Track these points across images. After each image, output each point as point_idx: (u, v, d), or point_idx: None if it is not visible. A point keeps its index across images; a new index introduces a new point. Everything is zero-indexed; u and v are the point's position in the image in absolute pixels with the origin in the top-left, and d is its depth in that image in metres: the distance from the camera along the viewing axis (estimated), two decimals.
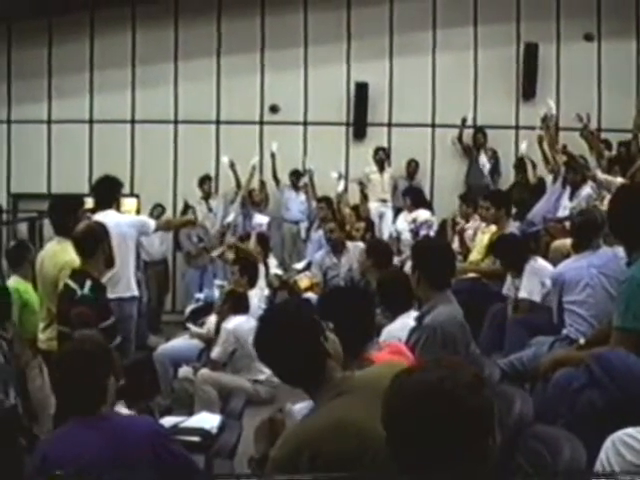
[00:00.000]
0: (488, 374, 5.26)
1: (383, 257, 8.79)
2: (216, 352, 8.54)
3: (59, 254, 6.72)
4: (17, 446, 5.73)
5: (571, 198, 9.88)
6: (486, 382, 2.43)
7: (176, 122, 15.07)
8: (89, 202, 8.56)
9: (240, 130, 14.86)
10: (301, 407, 4.07)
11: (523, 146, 12.63)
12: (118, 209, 9.10)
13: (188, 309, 11.31)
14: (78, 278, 6.10)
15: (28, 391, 7.07)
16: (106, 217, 7.71)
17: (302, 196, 14.26)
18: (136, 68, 15.03)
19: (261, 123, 15.12)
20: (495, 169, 14.54)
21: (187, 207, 14.32)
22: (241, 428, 6.23)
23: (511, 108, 15.05)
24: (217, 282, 11.27)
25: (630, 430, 3.29)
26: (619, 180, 8.95)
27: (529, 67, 14.96)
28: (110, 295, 6.68)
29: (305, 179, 14.19)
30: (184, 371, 8.96)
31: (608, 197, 8.29)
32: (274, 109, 15.13)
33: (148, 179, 14.83)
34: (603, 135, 13.23)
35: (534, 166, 12.30)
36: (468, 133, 14.84)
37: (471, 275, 9.14)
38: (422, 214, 12.07)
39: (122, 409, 5.29)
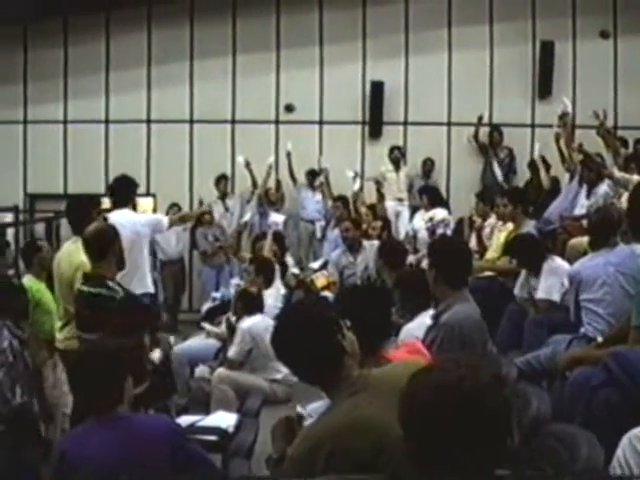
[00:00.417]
0: (505, 373, 5.25)
1: (396, 256, 8.75)
2: (233, 351, 8.54)
3: (75, 254, 6.72)
4: (25, 444, 5.75)
5: (588, 196, 9.83)
6: (505, 382, 2.42)
7: (192, 122, 15.09)
8: (105, 202, 8.60)
9: (255, 129, 14.87)
10: (317, 406, 4.07)
11: (536, 148, 12.58)
12: (134, 208, 9.15)
13: (204, 308, 11.34)
14: (93, 282, 6.06)
15: (44, 391, 7.09)
16: (122, 216, 7.78)
17: (318, 195, 14.25)
18: (152, 68, 15.06)
19: (276, 122, 15.12)
20: (511, 168, 14.49)
21: (202, 205, 14.32)
22: (258, 427, 6.22)
23: (527, 106, 15.01)
24: (233, 281, 11.28)
25: None
26: (636, 178, 8.90)
27: (545, 65, 14.91)
28: None
29: (321, 178, 14.18)
30: (201, 370, 8.98)
31: (625, 195, 8.28)
32: (289, 108, 15.13)
33: (164, 179, 14.86)
34: (619, 133, 13.16)
35: (548, 168, 12.25)
36: (484, 131, 14.81)
37: (488, 273, 9.12)
38: (439, 213, 12.02)
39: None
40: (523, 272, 8.40)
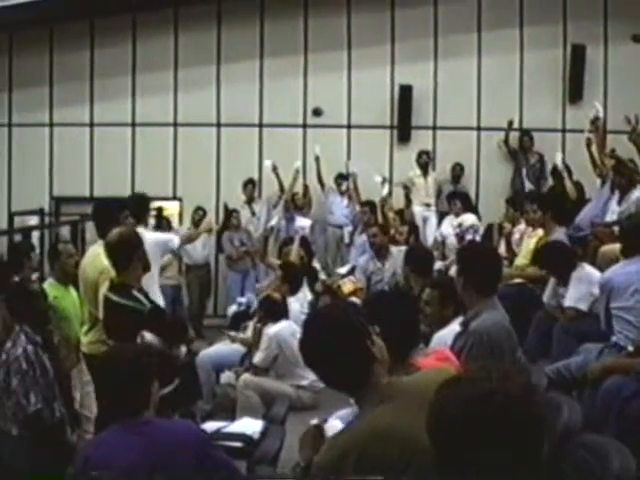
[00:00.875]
0: (535, 382, 5.22)
1: (422, 263, 8.70)
2: (258, 357, 8.55)
3: (100, 257, 6.73)
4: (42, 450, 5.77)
5: (620, 202, 9.76)
6: (537, 392, 2.40)
7: (219, 125, 15.12)
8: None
9: (283, 133, 14.88)
10: (344, 413, 4.06)
11: (558, 157, 12.52)
12: (159, 217, 9.16)
13: (229, 312, 11.37)
14: (119, 292, 6.06)
15: (72, 396, 7.11)
16: None
17: (346, 200, 14.24)
18: (179, 70, 15.10)
19: (304, 126, 15.13)
20: (542, 173, 14.41)
21: (228, 211, 14.37)
22: (284, 434, 6.22)
23: (557, 111, 14.94)
24: (259, 286, 11.29)
25: None
26: None
27: (576, 69, 14.84)
28: None
29: (348, 183, 14.17)
30: (226, 376, 9.00)
31: None
32: (317, 112, 15.13)
33: (191, 182, 14.91)
34: None
35: (570, 174, 12.20)
36: (514, 136, 14.75)
37: (517, 280, 9.08)
38: (468, 218, 11.99)
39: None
40: (552, 279, 8.35)
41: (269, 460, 5.69)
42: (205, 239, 13.69)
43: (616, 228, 8.53)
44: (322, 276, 11.54)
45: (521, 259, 9.61)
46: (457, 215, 12.44)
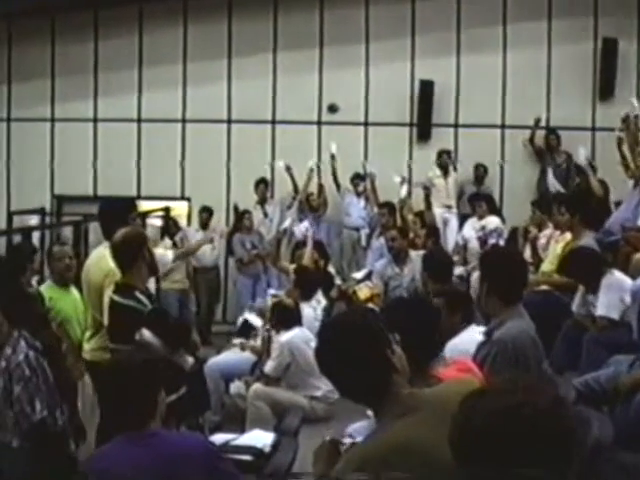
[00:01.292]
0: (563, 395, 5.20)
1: (441, 268, 8.68)
2: (270, 366, 8.55)
3: (105, 260, 6.73)
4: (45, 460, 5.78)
5: None
6: (566, 406, 2.39)
7: (229, 122, 15.14)
8: (142, 205, 8.63)
9: (297, 131, 14.89)
10: (360, 426, 4.05)
11: (582, 153, 12.49)
12: (167, 217, 9.17)
13: (240, 320, 11.36)
14: (123, 293, 6.10)
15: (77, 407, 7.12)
16: None
17: (363, 201, 14.23)
18: (187, 64, 15.13)
19: (319, 123, 15.13)
20: (569, 173, 14.37)
21: (238, 212, 14.37)
22: (297, 447, 6.21)
23: (587, 108, 14.90)
24: (271, 291, 11.29)
25: None
26: None
27: (607, 64, 14.80)
28: None
29: (366, 183, 14.16)
30: (236, 386, 9.00)
31: None
32: (333, 109, 15.13)
33: (200, 181, 14.92)
34: None
35: (595, 171, 12.18)
36: (540, 135, 14.72)
37: (543, 287, 9.06)
38: (492, 221, 12.00)
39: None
40: (581, 287, 8.33)
41: (281, 474, 5.69)
42: (215, 240, 13.69)
43: None
44: (337, 281, 11.52)
45: (548, 265, 9.59)
46: (480, 218, 12.43)
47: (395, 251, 10.87)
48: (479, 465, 2.29)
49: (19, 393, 5.78)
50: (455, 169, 14.74)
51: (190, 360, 6.35)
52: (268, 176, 14.79)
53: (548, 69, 14.90)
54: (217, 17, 15.08)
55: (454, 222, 14.22)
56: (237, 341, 9.96)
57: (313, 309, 9.70)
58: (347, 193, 14.48)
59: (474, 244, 11.90)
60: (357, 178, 14.41)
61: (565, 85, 14.82)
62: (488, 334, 5.21)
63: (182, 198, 15.12)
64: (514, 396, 2.29)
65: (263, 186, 14.56)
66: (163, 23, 15.16)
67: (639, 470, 3.60)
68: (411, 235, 11.66)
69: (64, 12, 15.02)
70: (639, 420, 4.39)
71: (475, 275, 9.31)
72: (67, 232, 12.19)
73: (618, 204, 10.84)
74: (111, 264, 6.45)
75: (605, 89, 14.80)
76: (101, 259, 6.89)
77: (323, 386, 8.03)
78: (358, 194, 14.36)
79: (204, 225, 14.18)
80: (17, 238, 10.54)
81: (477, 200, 13.21)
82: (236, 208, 14.53)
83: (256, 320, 10.18)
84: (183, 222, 14.71)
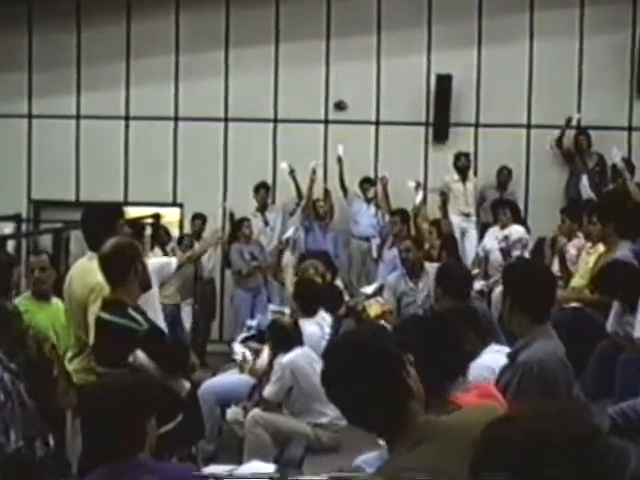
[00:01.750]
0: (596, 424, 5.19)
1: (457, 283, 8.66)
2: (270, 390, 8.54)
3: (90, 273, 6.72)
4: None
5: None
6: (602, 437, 2.39)
7: (226, 120, 15.17)
8: (129, 212, 8.64)
9: (301, 130, 14.91)
10: (370, 457, 4.06)
11: (615, 153, 12.49)
12: (156, 226, 9.16)
13: (237, 339, 11.36)
14: (113, 310, 6.09)
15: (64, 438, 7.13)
16: None
17: (373, 208, 14.24)
18: (180, 56, 15.16)
19: (325, 122, 15.16)
20: (602, 178, 14.36)
21: (233, 220, 14.34)
22: None
23: (622, 105, 14.90)
24: (272, 307, 11.31)
25: None
26: None
27: None
28: None
29: (376, 188, 14.17)
30: (233, 412, 9.00)
31: None
32: (341, 106, 15.15)
33: (193, 186, 14.94)
34: None
35: (633, 172, 12.19)
36: (568, 135, 14.70)
37: (573, 304, 9.05)
38: (516, 231, 11.99)
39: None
40: (616, 304, 8.32)
41: None
42: (210, 250, 13.67)
43: None
44: (344, 296, 11.52)
45: (578, 279, 9.57)
46: (503, 227, 12.43)
47: (409, 263, 10.87)
48: None
49: None
50: (475, 173, 14.76)
51: (187, 385, 6.35)
52: (269, 180, 14.80)
53: (580, 62, 14.91)
54: (213, 3, 15.14)
55: (473, 232, 14.25)
56: (239, 354, 9.92)
57: (319, 326, 9.68)
58: (356, 199, 14.49)
59: (496, 256, 11.89)
60: (367, 183, 14.43)
61: (598, 79, 14.81)
62: (512, 356, 5.21)
63: (174, 204, 15.14)
64: (542, 423, 2.29)
65: (264, 191, 14.57)
66: (153, 10, 15.19)
67: None
68: (426, 246, 11.68)
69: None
70: None
71: (497, 291, 9.32)
72: (46, 241, 12.21)
73: None
74: (97, 277, 6.43)
75: None
76: (85, 272, 6.88)
77: (329, 412, 8.03)
78: (368, 200, 14.37)
79: (197, 235, 14.16)
80: None
81: (500, 207, 13.18)
82: (232, 215, 14.51)
83: (242, 349, 10.11)
84: (175, 230, 14.71)
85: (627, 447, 4.27)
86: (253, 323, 11.61)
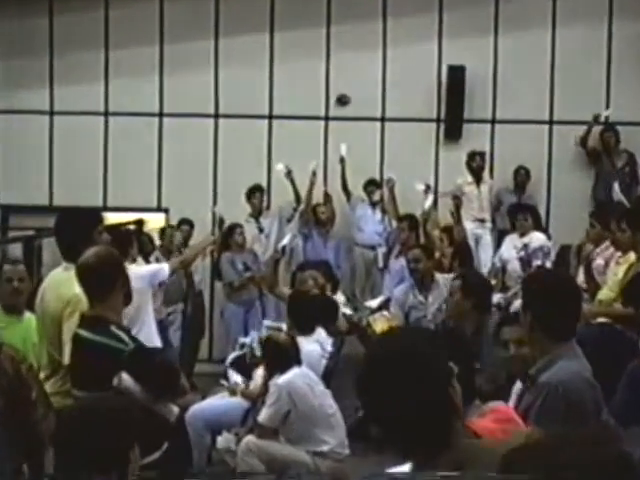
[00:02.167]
0: (627, 451, 5.18)
1: (479, 294, 8.68)
2: (265, 414, 8.53)
3: (66, 285, 6.71)
4: None
5: None
6: (633, 465, 2.38)
7: (216, 116, 15.19)
8: (108, 218, 8.64)
9: (299, 127, 14.93)
10: None
11: None
12: (140, 230, 9.13)
13: (229, 358, 11.35)
14: (94, 328, 6.06)
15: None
16: None
17: (379, 213, 14.25)
18: (165, 46, 15.17)
19: (326, 119, 15.18)
20: (633, 179, 14.36)
21: (223, 227, 14.29)
22: None
23: None
24: (267, 323, 11.30)
25: None
26: None
27: None
28: None
29: (382, 191, 14.18)
30: (224, 439, 8.99)
31: None
32: (343, 101, 15.17)
33: (180, 189, 14.95)
34: None
35: None
36: (594, 133, 14.70)
37: (601, 319, 9.04)
38: (536, 238, 12.00)
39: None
40: None
41: None
42: (198, 261, 13.65)
43: None
44: (347, 310, 11.50)
45: (607, 292, 9.56)
46: (522, 234, 12.43)
47: (418, 274, 10.87)
48: None
49: None
50: (491, 174, 14.77)
51: (175, 410, 6.33)
52: (264, 183, 14.80)
53: (608, 51, 14.93)
54: None
55: (488, 239, 14.27)
56: (228, 381, 9.93)
57: (318, 344, 9.67)
58: (359, 203, 14.51)
59: (514, 266, 11.91)
60: (372, 185, 14.44)
61: (628, 71, 14.83)
62: (534, 378, 5.19)
63: (158, 209, 15.13)
64: (570, 450, 2.29)
65: (258, 195, 14.56)
66: None
67: None
68: (437, 255, 11.67)
69: None
70: None
71: (516, 304, 9.30)
72: (15, 250, 12.19)
73: None
74: (74, 289, 6.41)
75: None
76: (60, 283, 6.87)
77: (330, 439, 8.02)
78: (373, 205, 14.39)
79: (184, 241, 14.12)
80: None
81: (518, 212, 13.19)
82: (222, 221, 14.45)
83: (235, 377, 10.11)
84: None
85: None
86: (246, 341, 11.60)
